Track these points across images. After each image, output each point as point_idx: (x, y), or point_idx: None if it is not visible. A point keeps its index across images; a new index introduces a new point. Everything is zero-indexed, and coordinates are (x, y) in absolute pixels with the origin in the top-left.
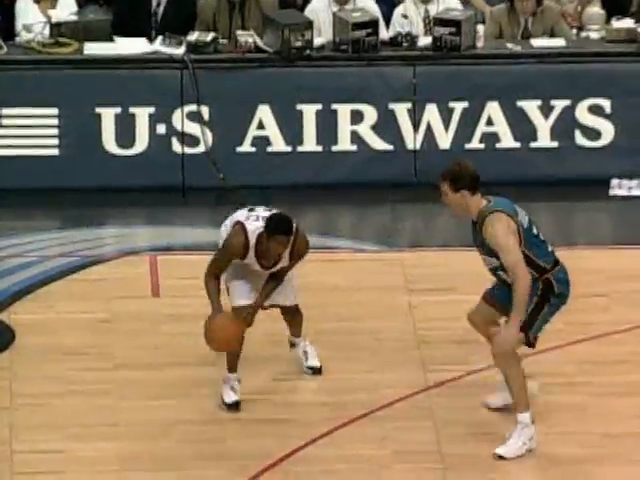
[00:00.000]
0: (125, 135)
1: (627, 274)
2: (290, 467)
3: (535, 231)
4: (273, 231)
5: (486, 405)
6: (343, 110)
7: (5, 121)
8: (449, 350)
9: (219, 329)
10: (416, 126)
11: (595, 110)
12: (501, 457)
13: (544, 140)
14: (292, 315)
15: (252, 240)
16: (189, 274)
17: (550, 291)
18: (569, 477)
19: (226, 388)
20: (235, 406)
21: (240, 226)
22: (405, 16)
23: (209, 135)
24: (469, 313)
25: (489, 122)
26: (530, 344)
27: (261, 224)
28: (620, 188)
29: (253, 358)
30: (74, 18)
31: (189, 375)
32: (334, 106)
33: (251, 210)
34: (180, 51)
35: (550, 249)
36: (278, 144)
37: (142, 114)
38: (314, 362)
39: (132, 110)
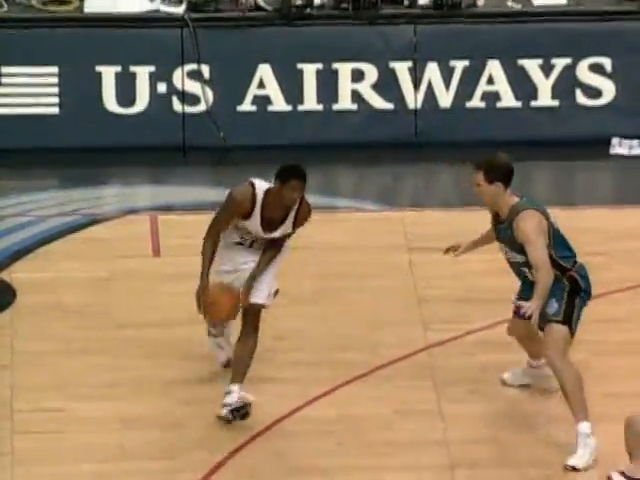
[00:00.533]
0: (125, 94)
1: (627, 233)
2: (290, 427)
3: (562, 232)
4: (287, 176)
5: (502, 381)
6: (344, 69)
7: (5, 80)
8: (449, 309)
9: (213, 303)
10: (417, 85)
11: (596, 69)
12: (574, 468)
13: (545, 99)
14: (248, 326)
15: (260, 195)
16: (189, 233)
17: (576, 286)
18: (567, 435)
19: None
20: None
21: (248, 182)
22: None
23: (210, 94)
24: (508, 327)
25: (490, 81)
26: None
27: (268, 184)
28: (621, 147)
29: None
30: None
31: (189, 334)
32: (335, 65)
33: None
34: (180, 10)
35: (573, 252)
36: (278, 103)
37: (143, 73)
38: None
39: (132, 69)
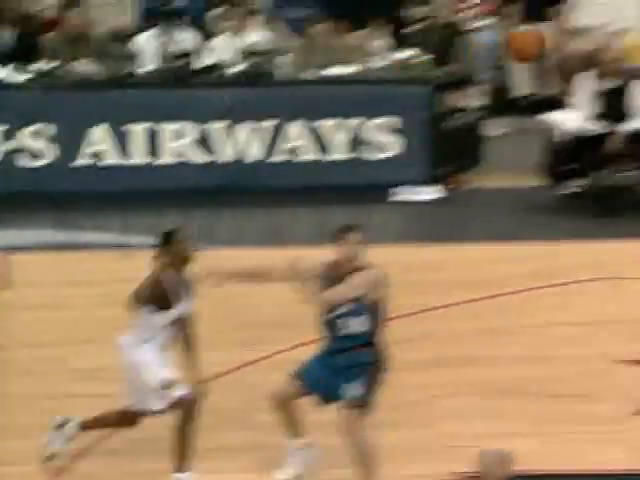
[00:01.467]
0: None
1: (406, 267)
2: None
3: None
4: (172, 235)
5: None
6: (166, 128)
7: None
8: (262, 332)
9: None
10: (231, 142)
11: (384, 126)
12: None
13: (338, 153)
14: None
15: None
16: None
17: (381, 360)
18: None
19: None
20: None
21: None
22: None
23: (52, 149)
24: (275, 393)
25: (292, 138)
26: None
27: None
28: (402, 194)
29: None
30: None
31: (42, 356)
32: (158, 125)
33: None
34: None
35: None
36: (110, 157)
37: None
38: None
39: None
